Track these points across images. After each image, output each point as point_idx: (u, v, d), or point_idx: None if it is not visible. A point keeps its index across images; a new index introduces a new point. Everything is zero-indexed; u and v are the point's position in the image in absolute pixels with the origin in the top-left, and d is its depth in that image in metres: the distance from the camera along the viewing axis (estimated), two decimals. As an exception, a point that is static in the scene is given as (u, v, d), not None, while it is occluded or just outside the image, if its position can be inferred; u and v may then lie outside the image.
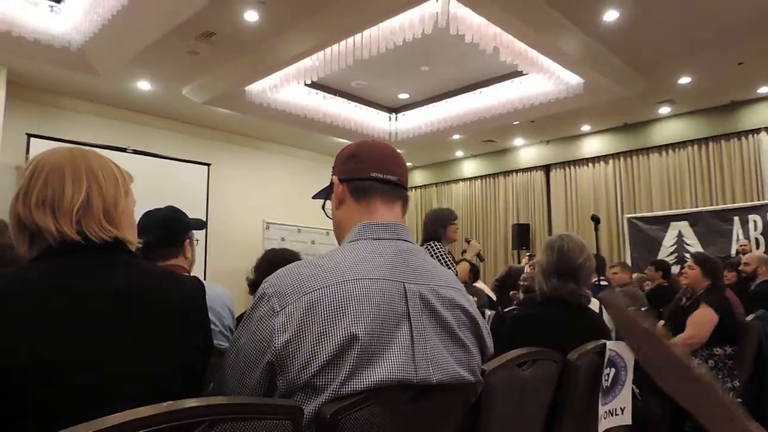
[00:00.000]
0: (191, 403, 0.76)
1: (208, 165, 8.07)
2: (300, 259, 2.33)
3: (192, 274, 1.36)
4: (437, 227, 3.58)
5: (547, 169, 9.50)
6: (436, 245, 3.53)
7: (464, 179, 10.61)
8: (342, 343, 0.93)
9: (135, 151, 7.13)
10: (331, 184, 1.20)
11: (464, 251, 3.89)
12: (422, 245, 3.62)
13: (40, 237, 0.97)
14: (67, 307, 0.87)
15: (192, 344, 0.99)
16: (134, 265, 1.00)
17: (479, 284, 6.31)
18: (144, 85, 6.66)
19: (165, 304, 0.97)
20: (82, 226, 0.98)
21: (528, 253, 8.75)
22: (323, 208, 1.25)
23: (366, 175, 1.15)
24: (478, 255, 3.53)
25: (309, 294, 0.96)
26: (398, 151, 1.23)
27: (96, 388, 0.84)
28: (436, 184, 11.07)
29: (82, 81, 6.41)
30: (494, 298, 6.14)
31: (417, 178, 11.09)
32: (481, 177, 10.34)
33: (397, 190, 1.16)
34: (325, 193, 1.24)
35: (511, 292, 5.76)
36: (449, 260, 3.47)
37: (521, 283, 5.65)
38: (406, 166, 1.22)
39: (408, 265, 1.07)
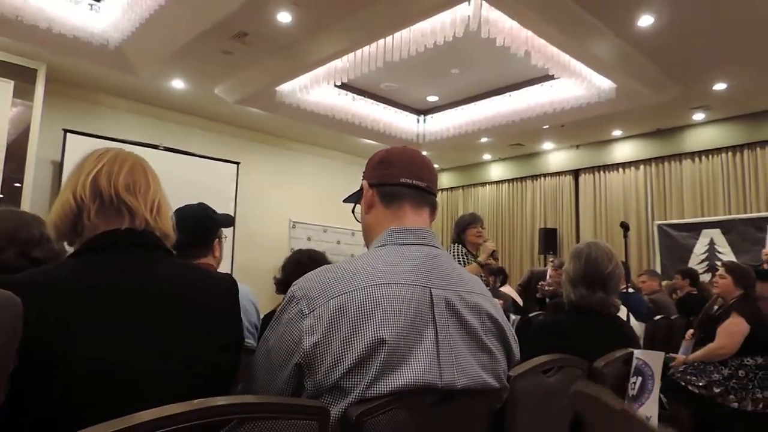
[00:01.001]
0: (222, 401, 0.76)
1: (238, 163, 8.14)
2: (326, 260, 2.39)
3: (222, 272, 1.37)
4: (459, 232, 3.70)
5: (576, 173, 9.41)
6: (456, 247, 3.62)
7: (491, 182, 10.54)
8: (369, 346, 0.94)
9: (167, 148, 7.23)
10: (362, 188, 1.22)
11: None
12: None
13: (109, 220, 1.00)
14: (120, 305, 0.90)
15: (225, 342, 1.01)
16: (174, 264, 1.02)
17: (505, 288, 6.36)
18: (178, 84, 6.75)
19: (201, 303, 0.99)
20: (156, 221, 1.03)
21: (551, 259, 8.66)
22: (353, 212, 1.27)
23: (395, 181, 1.15)
24: (492, 255, 3.54)
25: (337, 297, 0.97)
26: (426, 155, 1.25)
27: (130, 384, 0.86)
28: (462, 187, 11.03)
29: (119, 78, 6.54)
30: (520, 302, 6.12)
31: (444, 180, 11.06)
32: (508, 180, 10.27)
33: (425, 196, 1.17)
34: (355, 198, 1.26)
35: (540, 283, 5.72)
36: (465, 261, 3.52)
37: (546, 288, 5.67)
38: (436, 173, 1.23)
39: (434, 270, 1.07)
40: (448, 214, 11.08)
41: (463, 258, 3.54)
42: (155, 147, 7.02)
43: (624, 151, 8.77)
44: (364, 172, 1.23)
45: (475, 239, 3.63)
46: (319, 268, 1.04)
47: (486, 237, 3.68)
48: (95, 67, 6.09)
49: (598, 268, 1.99)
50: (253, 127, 8.44)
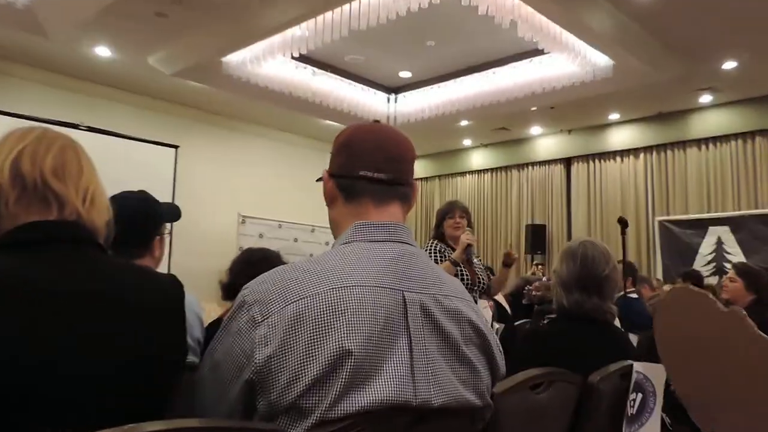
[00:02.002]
0: (159, 426, 0.75)
1: (176, 147, 8.04)
2: (281, 260, 2.37)
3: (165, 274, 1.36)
4: (437, 225, 3.68)
5: (567, 162, 9.52)
6: (431, 244, 3.60)
7: (472, 172, 10.61)
8: (332, 359, 0.94)
9: (90, 128, 7.08)
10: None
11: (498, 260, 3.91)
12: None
13: (32, 210, 0.98)
14: (44, 311, 0.88)
15: (167, 357, 1.00)
16: (112, 264, 1.01)
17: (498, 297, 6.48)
18: (103, 52, 6.62)
19: (142, 310, 0.98)
20: (89, 212, 1.01)
21: (536, 262, 8.80)
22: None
23: (353, 173, 1.17)
24: (467, 251, 3.41)
25: (295, 302, 0.97)
26: (403, 136, 1.23)
27: (58, 397, 0.85)
28: (439, 176, 11.07)
29: (30, 44, 6.34)
30: (508, 309, 6.16)
31: (418, 169, 10.96)
32: (491, 170, 10.34)
33: (391, 189, 1.18)
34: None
35: (526, 288, 5.74)
36: (441, 260, 3.46)
37: (534, 293, 5.72)
38: (412, 154, 1.22)
39: (408, 271, 1.09)
40: (422, 207, 11.10)
41: (438, 255, 3.51)
42: (75, 126, 6.85)
43: (622, 137, 8.91)
44: (331, 159, 1.25)
45: (452, 232, 3.58)
46: (273, 269, 1.04)
47: (464, 228, 3.58)
48: (1, 29, 5.91)
49: (595, 271, 2.01)
50: (195, 105, 8.35)
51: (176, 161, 8.01)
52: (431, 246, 3.59)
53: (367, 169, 1.15)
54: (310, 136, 9.45)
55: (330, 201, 1.21)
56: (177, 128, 8.27)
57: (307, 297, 0.98)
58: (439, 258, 3.47)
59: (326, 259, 1.06)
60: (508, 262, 3.70)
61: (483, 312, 3.44)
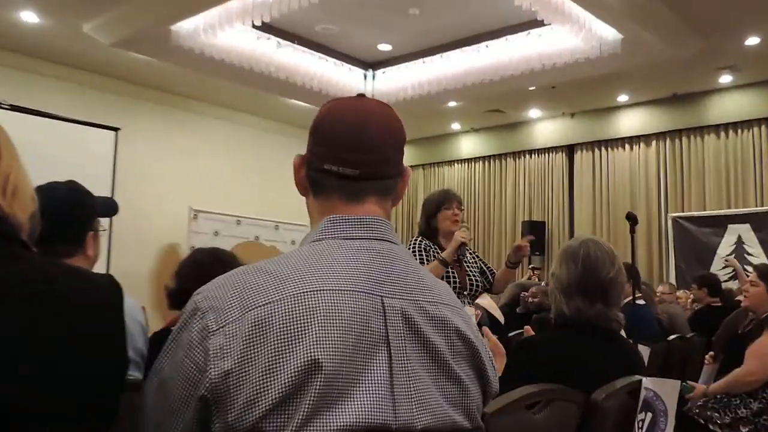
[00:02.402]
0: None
1: (116, 130, 7.97)
2: (238, 262, 2.32)
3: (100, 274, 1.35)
4: (427, 217, 3.60)
5: (570, 150, 9.58)
6: (417, 242, 3.55)
7: (461, 160, 10.63)
8: (300, 374, 0.94)
9: (13, 107, 6.99)
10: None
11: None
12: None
13: None
14: None
15: (103, 372, 0.99)
16: (40, 263, 0.99)
17: (483, 299, 6.34)
18: (29, 17, 6.51)
19: (73, 316, 0.97)
20: (11, 205, 0.99)
21: (532, 266, 8.85)
22: None
23: (318, 165, 1.17)
24: (460, 249, 3.40)
25: (257, 309, 0.98)
26: (390, 115, 1.23)
27: None
28: (423, 165, 11.08)
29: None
30: (501, 319, 6.19)
31: None
32: (483, 158, 10.36)
33: (365, 185, 1.17)
34: None
35: (522, 294, 5.74)
36: (429, 260, 3.42)
37: (530, 300, 5.77)
38: (396, 141, 1.21)
39: (388, 272, 1.10)
40: (405, 200, 11.19)
41: (423, 255, 3.47)
42: (-5, 105, 6.79)
43: (631, 122, 8.99)
44: None
45: (450, 226, 3.54)
46: (232, 271, 1.04)
47: (464, 223, 3.54)
48: None
49: (599, 274, 2.04)
50: (139, 81, 8.28)
51: (116, 146, 7.93)
52: (416, 244, 3.54)
53: (333, 163, 1.16)
54: (275, 118, 9.43)
55: (302, 191, 1.22)
56: (118, 108, 8.19)
57: (270, 303, 0.98)
58: (425, 258, 3.44)
59: (293, 259, 1.06)
60: (515, 259, 3.59)
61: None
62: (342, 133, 1.16)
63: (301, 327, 0.97)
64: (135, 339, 2.03)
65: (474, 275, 3.55)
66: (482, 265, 3.68)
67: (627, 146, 9.12)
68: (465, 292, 3.46)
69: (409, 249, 3.53)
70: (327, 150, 1.16)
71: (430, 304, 1.11)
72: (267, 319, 0.97)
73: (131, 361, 1.95)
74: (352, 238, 1.12)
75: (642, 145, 9.00)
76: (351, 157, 1.15)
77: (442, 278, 3.32)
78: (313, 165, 1.18)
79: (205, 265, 2.33)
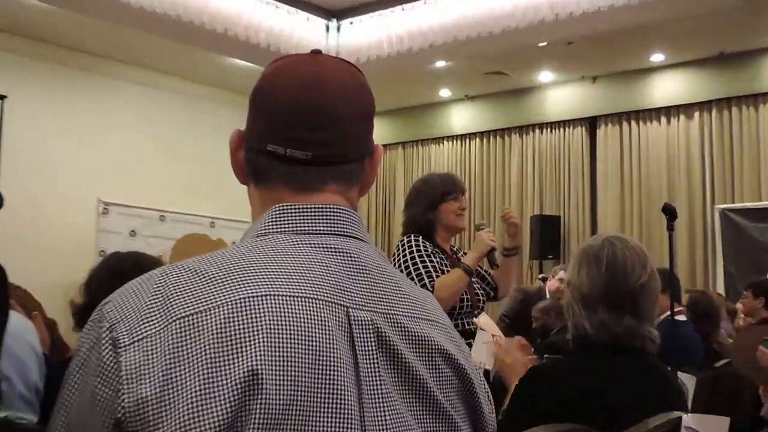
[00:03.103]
0: None
1: (2, 98, 7.91)
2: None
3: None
4: (424, 209, 3.60)
5: (591, 124, 9.65)
6: (406, 243, 3.54)
7: (452, 137, 10.68)
8: (239, 401, 0.94)
9: None
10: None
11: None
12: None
13: None
14: None
15: None
16: None
17: (482, 318, 6.30)
18: None
19: None
20: None
21: (542, 276, 8.81)
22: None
23: (259, 146, 1.18)
24: (489, 256, 3.49)
25: (183, 319, 0.97)
26: (354, 76, 1.23)
27: None
28: (403, 143, 11.10)
29: None
30: (502, 341, 6.21)
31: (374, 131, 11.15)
32: (480, 135, 10.41)
33: (320, 171, 1.18)
34: None
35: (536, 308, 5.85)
36: (431, 267, 3.42)
37: (534, 318, 5.85)
38: (361, 112, 1.21)
39: (356, 277, 1.11)
40: (379, 186, 11.16)
41: (422, 259, 3.47)
42: None
43: (668, 88, 9.03)
44: None
45: (456, 221, 3.62)
46: (151, 272, 1.04)
47: (483, 221, 3.59)
48: None
49: (627, 279, 2.06)
50: (28, 34, 8.21)
51: (1, 119, 7.87)
52: (410, 243, 3.53)
53: (277, 142, 1.16)
54: (210, 82, 9.40)
55: (241, 177, 1.23)
56: (1, 70, 8.09)
57: (201, 311, 0.98)
58: (426, 262, 3.43)
59: (231, 258, 1.07)
60: (512, 243, 3.68)
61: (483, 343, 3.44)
62: (289, 103, 1.16)
63: (240, 343, 0.96)
64: (27, 369, 2.02)
65: (479, 286, 3.61)
66: (478, 268, 3.71)
67: (663, 119, 9.17)
68: (476, 312, 3.53)
69: (399, 250, 3.55)
70: (269, 126, 1.17)
71: (411, 319, 1.12)
72: (196, 332, 0.96)
73: (23, 399, 1.96)
74: (309, 233, 1.13)
75: (682, 117, 9.05)
76: (301, 134, 1.15)
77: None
78: (252, 145, 1.19)
79: (121, 275, 2.29)
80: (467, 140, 10.61)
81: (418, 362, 1.10)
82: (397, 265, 3.40)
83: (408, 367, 1.08)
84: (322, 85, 1.17)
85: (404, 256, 3.47)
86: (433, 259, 3.47)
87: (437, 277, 3.38)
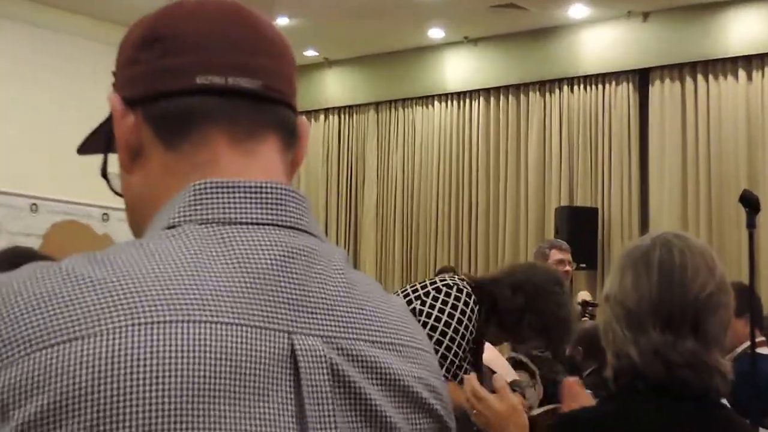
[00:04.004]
0: None
1: None
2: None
3: None
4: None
5: (642, 78, 9.77)
6: (460, 293, 3.84)
7: (446, 96, 10.90)
8: None
9: None
10: (109, 118, 1.25)
11: None
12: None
13: None
14: None
15: None
16: None
17: (488, 352, 6.45)
18: None
19: None
20: None
21: (582, 300, 8.76)
22: (105, 176, 1.33)
23: (187, 83, 1.20)
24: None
25: (53, 348, 0.97)
26: (263, 16, 1.28)
27: None
28: (377, 104, 11.35)
29: None
30: (509, 376, 6.28)
31: (333, 89, 11.28)
32: (485, 92, 10.60)
33: (262, 110, 1.23)
34: (102, 141, 1.31)
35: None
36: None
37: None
38: (285, 54, 1.27)
39: (306, 290, 1.12)
40: (342, 163, 11.53)
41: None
42: None
43: (748, 29, 9.12)
44: (114, 71, 1.29)
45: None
46: (16, 272, 1.05)
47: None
48: None
49: (686, 289, 2.13)
50: None
51: None
52: (459, 297, 3.82)
53: (212, 71, 1.19)
54: (103, 17, 9.44)
55: (130, 159, 1.24)
56: None
57: (80, 338, 0.97)
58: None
59: (131, 259, 1.07)
60: None
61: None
62: (208, 28, 1.22)
63: (137, 390, 0.97)
64: None
65: None
66: None
67: (741, 73, 9.24)
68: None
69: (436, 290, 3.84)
70: (193, 57, 1.20)
71: (383, 348, 1.16)
72: (70, 371, 0.96)
73: None
74: (240, 223, 1.14)
75: (767, 70, 9.11)
76: (243, 59, 1.21)
77: None
78: (167, 90, 1.19)
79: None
80: (467, 101, 10.73)
81: (388, 405, 1.13)
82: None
83: (375, 413, 1.12)
84: (245, 13, 1.25)
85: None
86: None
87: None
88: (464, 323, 3.80)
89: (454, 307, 3.82)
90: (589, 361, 5.55)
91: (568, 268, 6.80)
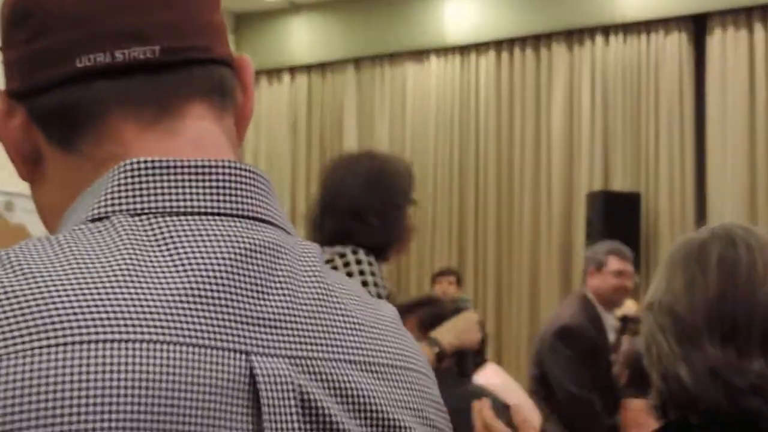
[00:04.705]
0: None
1: None
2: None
3: None
4: (391, 207, 3.95)
5: (698, 26, 9.80)
6: (356, 258, 3.90)
7: (446, 50, 10.96)
8: None
9: None
10: None
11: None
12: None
13: None
14: None
15: None
16: None
17: (490, 368, 7.09)
18: None
19: None
20: None
21: (622, 314, 8.66)
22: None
23: (65, 69, 1.21)
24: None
25: None
26: None
27: None
28: (357, 60, 11.47)
29: None
30: (533, 415, 6.58)
31: (297, 41, 11.39)
32: (496, 45, 10.68)
33: (174, 78, 1.24)
34: None
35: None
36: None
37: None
38: None
39: (268, 296, 1.13)
40: (313, 131, 11.55)
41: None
42: None
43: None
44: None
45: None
46: None
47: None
48: None
49: (754, 294, 2.16)
50: None
51: None
52: (368, 266, 3.89)
53: (94, 48, 1.20)
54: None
55: (29, 163, 1.28)
56: None
57: None
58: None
59: (46, 263, 1.07)
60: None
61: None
62: None
63: (52, 425, 0.96)
64: None
65: None
66: None
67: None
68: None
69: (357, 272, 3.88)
70: (72, 33, 1.21)
71: (363, 369, 1.18)
72: None
73: None
74: (183, 213, 1.15)
75: None
76: (134, 21, 1.21)
77: None
78: (41, 82, 1.21)
79: None
80: (472, 56, 10.69)
81: None
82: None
83: None
84: None
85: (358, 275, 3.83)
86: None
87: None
88: None
89: None
90: (632, 387, 5.54)
91: (628, 283, 6.66)
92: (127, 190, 1.14)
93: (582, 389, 6.77)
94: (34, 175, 1.28)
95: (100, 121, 1.20)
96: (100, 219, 1.14)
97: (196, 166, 1.16)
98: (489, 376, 6.65)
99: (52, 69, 1.21)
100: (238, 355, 1.06)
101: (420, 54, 10.95)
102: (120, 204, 1.14)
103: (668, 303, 2.21)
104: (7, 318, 1.01)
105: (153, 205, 1.14)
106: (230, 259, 1.11)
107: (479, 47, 10.65)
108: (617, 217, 9.39)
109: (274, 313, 1.12)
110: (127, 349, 1.00)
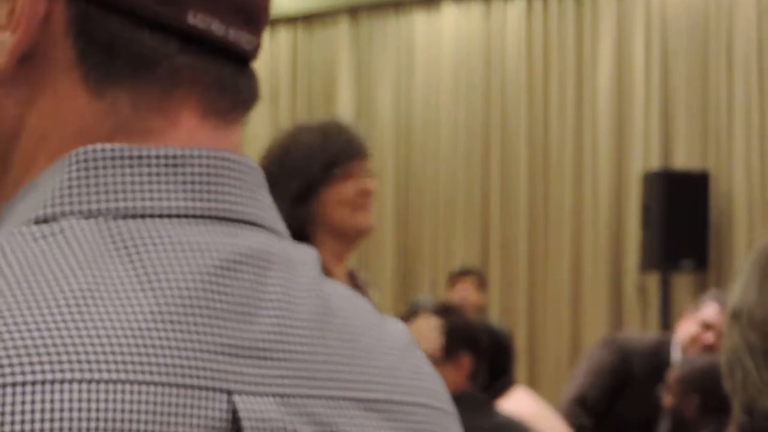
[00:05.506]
0: None
1: None
2: None
3: None
4: (286, 199, 4.14)
5: None
6: None
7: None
8: None
9: None
10: None
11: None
12: None
13: None
14: None
15: None
16: None
17: (520, 393, 7.20)
18: None
19: None
20: None
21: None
22: None
23: (173, 15, 1.18)
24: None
25: None
26: None
27: None
28: (352, 10, 11.46)
29: None
30: None
31: None
32: None
33: (246, 81, 1.26)
34: None
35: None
36: None
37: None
38: None
39: (252, 319, 1.12)
40: (301, 101, 11.56)
41: None
42: None
43: None
44: None
45: (350, 217, 4.20)
46: None
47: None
48: None
49: None
50: None
51: None
52: None
53: (213, 10, 1.19)
54: None
55: (17, 54, 1.19)
56: None
57: None
58: None
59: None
60: None
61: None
62: None
63: None
64: None
65: None
66: None
67: None
68: None
69: None
70: None
71: (368, 408, 1.18)
72: None
73: None
74: (150, 215, 1.14)
75: None
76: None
77: None
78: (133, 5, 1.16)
79: None
80: (498, 2, 10.47)
81: None
82: None
83: None
84: None
85: None
86: None
87: None
88: None
89: None
90: (708, 416, 5.67)
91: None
92: (80, 186, 1.13)
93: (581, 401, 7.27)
94: (6, 70, 1.18)
95: (168, 97, 1.18)
96: (46, 221, 1.11)
97: (166, 156, 1.15)
98: (518, 403, 6.84)
99: (157, 5, 1.16)
100: (218, 395, 1.06)
101: (430, 2, 10.92)
102: (71, 203, 1.12)
103: (761, 318, 2.18)
104: None
105: (112, 205, 1.12)
106: (208, 273, 1.10)
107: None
108: (680, 202, 9.34)
109: (262, 340, 1.11)
110: (88, 391, 0.99)
